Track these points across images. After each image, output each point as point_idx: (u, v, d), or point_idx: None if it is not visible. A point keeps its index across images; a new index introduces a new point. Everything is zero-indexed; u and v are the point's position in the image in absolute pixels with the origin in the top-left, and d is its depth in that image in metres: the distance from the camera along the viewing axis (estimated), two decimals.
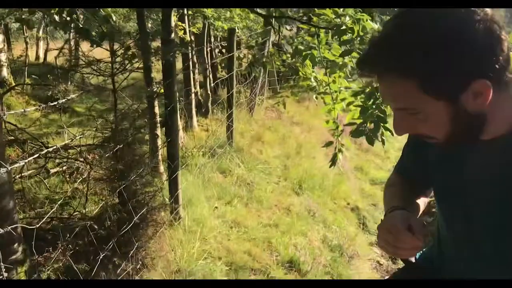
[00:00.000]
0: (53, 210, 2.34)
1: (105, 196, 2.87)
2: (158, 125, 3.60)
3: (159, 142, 3.52)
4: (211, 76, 5.99)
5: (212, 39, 6.59)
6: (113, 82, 2.54)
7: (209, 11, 5.26)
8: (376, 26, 2.30)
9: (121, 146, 2.53)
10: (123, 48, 2.47)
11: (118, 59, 2.62)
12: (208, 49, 6.02)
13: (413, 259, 1.40)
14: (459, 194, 1.02)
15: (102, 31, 2.27)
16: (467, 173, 0.98)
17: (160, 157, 3.60)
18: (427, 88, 0.83)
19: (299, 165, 5.01)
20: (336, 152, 2.80)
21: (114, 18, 2.81)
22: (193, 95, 5.21)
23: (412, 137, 1.20)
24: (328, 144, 2.79)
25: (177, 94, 4.03)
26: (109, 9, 3.31)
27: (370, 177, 6.02)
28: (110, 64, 2.53)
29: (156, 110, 3.51)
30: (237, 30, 6.20)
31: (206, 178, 3.92)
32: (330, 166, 2.88)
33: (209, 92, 5.78)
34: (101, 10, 2.60)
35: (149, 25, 6.03)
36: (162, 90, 3.08)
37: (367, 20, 2.34)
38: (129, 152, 2.73)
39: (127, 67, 2.56)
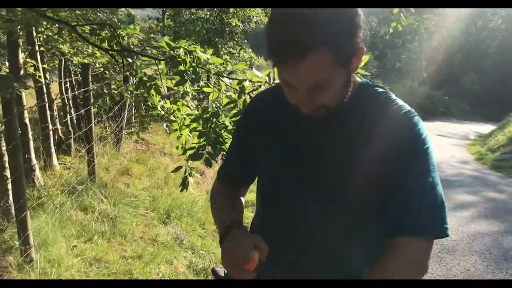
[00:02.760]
0: None
1: None
2: (7, 166, 3.41)
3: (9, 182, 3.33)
4: (72, 111, 5.80)
5: (73, 74, 6.43)
6: None
7: (65, 47, 5.14)
8: (206, 57, 2.47)
9: None
10: None
11: None
12: (67, 84, 5.84)
13: (222, 273, 1.51)
14: (313, 164, 1.13)
15: None
16: (324, 141, 1.13)
17: (11, 199, 3.41)
18: (338, 59, 0.95)
19: (167, 195, 5.02)
20: (186, 176, 2.88)
21: None
22: (51, 132, 4.99)
23: (236, 138, 1.37)
24: (177, 169, 2.86)
25: (28, 131, 3.89)
26: None
27: None
28: None
29: (4, 150, 3.34)
30: (97, 65, 6.15)
31: (65, 217, 3.76)
32: (181, 191, 2.95)
33: (70, 128, 5.58)
34: None
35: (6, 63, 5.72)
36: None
37: (198, 53, 2.51)
38: None
39: None
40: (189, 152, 2.80)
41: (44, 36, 4.87)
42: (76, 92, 5.44)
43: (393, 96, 1.14)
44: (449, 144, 14.08)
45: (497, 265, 4.40)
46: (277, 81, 2.25)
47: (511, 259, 4.55)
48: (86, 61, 5.35)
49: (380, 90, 1.16)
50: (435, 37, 29.21)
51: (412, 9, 4.61)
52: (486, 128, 18.90)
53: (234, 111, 2.41)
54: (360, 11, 0.97)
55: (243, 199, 1.40)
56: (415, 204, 1.02)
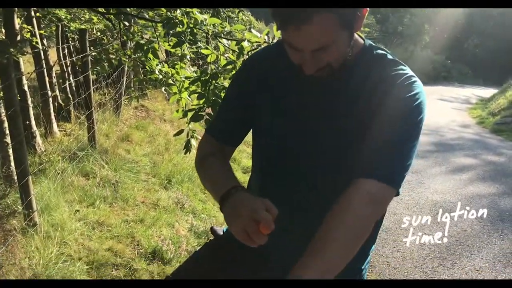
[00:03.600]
0: None
1: None
2: (8, 132, 3.42)
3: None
4: (71, 78, 5.77)
5: (71, 40, 6.35)
6: None
7: (61, 13, 5.07)
8: (203, 17, 2.44)
9: None
10: None
11: None
12: (65, 51, 5.78)
13: (221, 232, 1.52)
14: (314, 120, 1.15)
15: None
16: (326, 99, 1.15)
17: (12, 164, 3.43)
18: (342, 20, 0.96)
19: (168, 161, 5.05)
20: (188, 139, 2.89)
21: None
22: (50, 99, 4.98)
23: (232, 94, 1.33)
24: (179, 132, 2.87)
25: (27, 98, 3.88)
26: None
27: (242, 166, 6.25)
28: None
29: (3, 116, 3.34)
30: (95, 31, 6.07)
31: (66, 183, 3.80)
32: (185, 153, 2.97)
33: (69, 95, 5.57)
34: None
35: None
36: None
37: (195, 13, 2.48)
38: None
39: None
40: (189, 114, 2.79)
41: None
42: (74, 58, 5.40)
43: (396, 59, 1.15)
44: (451, 108, 14.05)
45: (493, 225, 4.47)
46: (276, 39, 2.23)
47: (507, 219, 4.61)
48: (83, 26, 5.28)
49: (382, 52, 1.17)
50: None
51: None
52: (488, 92, 18.79)
53: (233, 72, 2.39)
54: None
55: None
56: (383, 153, 1.04)
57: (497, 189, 5.61)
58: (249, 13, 10.77)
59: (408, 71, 1.12)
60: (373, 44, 1.19)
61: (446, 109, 13.72)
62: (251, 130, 1.32)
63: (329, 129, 1.14)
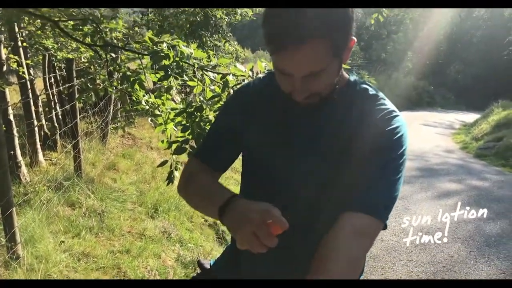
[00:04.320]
0: None
1: None
2: None
3: None
4: (57, 107, 5.76)
5: (58, 70, 6.37)
6: None
7: (49, 42, 5.10)
8: (191, 50, 2.48)
9: None
10: None
11: None
12: (52, 80, 5.79)
13: (208, 265, 1.52)
14: (306, 148, 1.16)
15: None
16: (315, 130, 1.17)
17: None
18: (334, 48, 1.00)
19: (155, 189, 5.03)
20: (172, 170, 2.89)
21: None
22: (36, 128, 4.96)
23: (223, 120, 1.33)
24: (163, 163, 2.86)
25: (12, 127, 3.87)
26: None
27: None
28: None
29: None
30: (83, 60, 6.10)
31: (52, 213, 3.76)
32: (167, 184, 2.96)
33: (55, 124, 5.55)
34: None
35: None
36: None
37: (182, 47, 2.52)
38: None
39: None
40: (174, 146, 2.80)
41: (27, 32, 4.83)
42: (61, 88, 5.41)
43: (379, 94, 1.20)
44: (435, 134, 14.25)
45: (479, 251, 4.50)
46: (260, 75, 2.28)
47: (493, 245, 4.66)
48: (70, 56, 5.31)
49: (365, 86, 1.21)
50: (420, 28, 29.43)
51: None
52: (470, 117, 19.13)
53: (218, 105, 2.43)
54: None
55: None
56: (373, 188, 1.06)
57: (482, 214, 5.66)
58: (235, 42, 10.92)
59: (390, 105, 1.16)
60: (357, 79, 1.23)
61: (430, 134, 13.92)
62: (237, 158, 1.34)
63: (313, 161, 1.17)
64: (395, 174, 1.08)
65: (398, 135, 1.10)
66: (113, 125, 5.96)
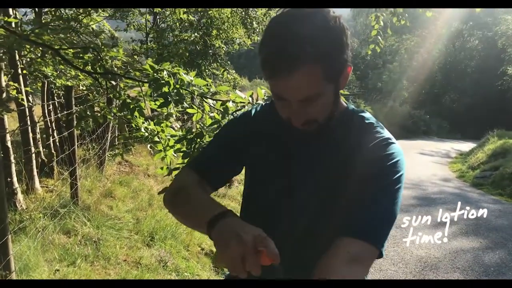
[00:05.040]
0: None
1: None
2: None
3: None
4: (55, 134, 5.76)
5: (57, 97, 6.41)
6: None
7: (48, 70, 5.14)
8: (189, 78, 2.51)
9: None
10: None
11: None
12: (50, 107, 5.82)
13: None
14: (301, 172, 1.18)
15: None
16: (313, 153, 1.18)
17: None
18: (328, 74, 1.02)
19: (152, 217, 4.99)
20: None
21: None
22: (34, 155, 4.95)
23: (223, 137, 1.33)
24: (164, 190, 2.85)
25: (10, 154, 3.87)
26: None
27: None
28: None
29: None
30: (81, 87, 6.15)
31: (47, 241, 3.72)
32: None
33: (53, 151, 5.55)
34: None
35: None
36: None
37: (181, 74, 2.55)
38: None
39: None
40: (174, 173, 2.80)
41: (28, 59, 4.88)
42: (59, 115, 5.43)
43: (376, 123, 1.22)
44: (431, 162, 14.28)
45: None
46: (259, 101, 2.30)
47: (492, 274, 4.61)
48: (69, 83, 5.36)
49: (363, 115, 1.24)
50: (415, 58, 29.88)
51: (390, 31, 4.74)
52: (466, 146, 19.21)
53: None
54: (347, 30, 1.05)
55: None
56: (368, 213, 1.05)
57: (481, 243, 5.63)
58: (233, 71, 11.05)
59: (386, 133, 1.18)
60: (354, 108, 1.26)
61: (427, 163, 13.94)
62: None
63: (311, 189, 1.18)
64: (391, 199, 1.08)
65: (394, 160, 1.11)
66: (111, 152, 5.95)
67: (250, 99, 2.31)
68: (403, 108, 27.98)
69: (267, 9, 8.77)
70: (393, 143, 1.15)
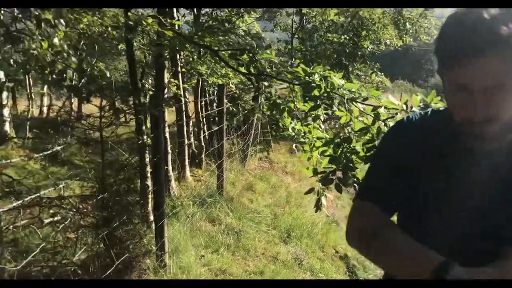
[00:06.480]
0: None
1: (92, 243, 2.98)
2: (149, 175, 3.76)
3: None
4: (205, 128, 6.21)
5: (207, 94, 6.91)
6: (101, 135, 2.73)
7: (202, 69, 5.55)
8: (342, 82, 2.50)
9: (107, 196, 2.69)
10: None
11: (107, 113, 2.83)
12: (202, 103, 6.28)
13: None
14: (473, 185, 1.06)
15: (89, 89, 2.47)
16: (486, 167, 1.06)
17: (150, 206, 3.74)
18: None
19: (288, 214, 5.11)
20: (319, 197, 2.89)
21: (108, 74, 3.02)
22: (186, 146, 5.40)
23: (390, 159, 1.20)
24: (310, 190, 2.88)
25: (167, 145, 4.26)
26: (103, 66, 3.57)
27: None
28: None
29: (147, 161, 3.69)
30: (231, 85, 6.52)
31: (195, 227, 4.03)
32: (316, 211, 2.97)
33: (202, 143, 5.98)
34: (96, 66, 2.86)
35: (150, 81, 6.40)
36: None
37: (333, 78, 2.55)
38: (117, 201, 2.88)
39: (113, 121, 2.75)
40: (319, 176, 2.81)
41: (186, 58, 5.32)
42: (210, 112, 5.84)
43: None
44: None
45: None
46: (414, 109, 2.19)
47: None
48: (219, 81, 5.73)
49: None
50: None
51: None
52: None
53: (367, 137, 2.39)
54: None
55: None
56: None
57: None
58: (382, 74, 10.61)
59: None
60: None
61: None
62: None
63: (489, 195, 1.05)
64: None
65: None
66: (253, 148, 6.23)
67: (404, 106, 2.21)
68: None
69: (423, 9, 8.31)
70: None
